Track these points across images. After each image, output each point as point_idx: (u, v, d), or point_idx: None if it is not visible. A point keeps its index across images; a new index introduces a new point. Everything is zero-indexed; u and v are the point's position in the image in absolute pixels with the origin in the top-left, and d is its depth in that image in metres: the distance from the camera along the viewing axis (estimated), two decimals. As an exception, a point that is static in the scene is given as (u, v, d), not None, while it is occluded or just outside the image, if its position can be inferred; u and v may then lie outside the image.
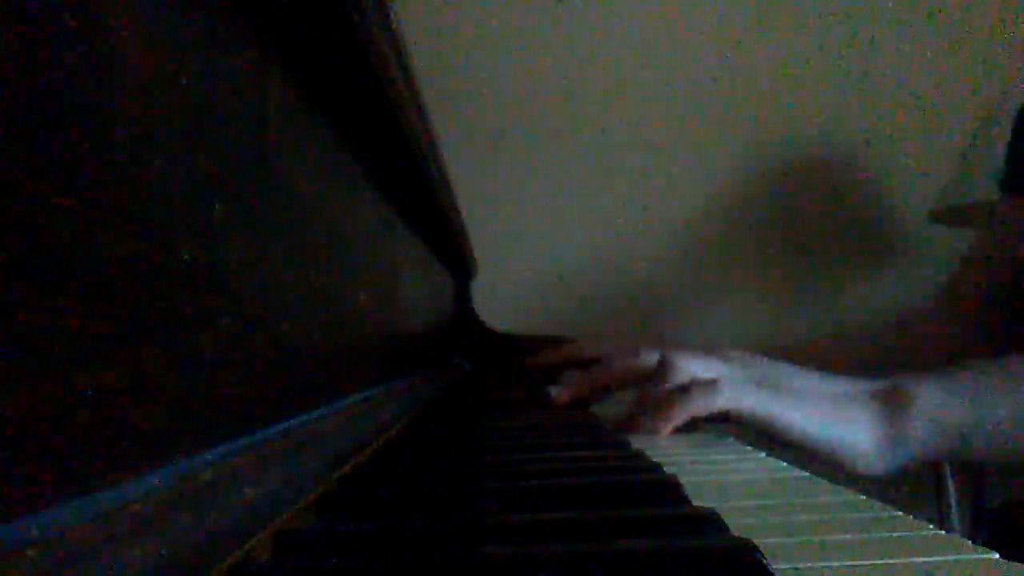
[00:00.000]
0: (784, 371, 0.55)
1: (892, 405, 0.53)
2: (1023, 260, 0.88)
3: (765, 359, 0.56)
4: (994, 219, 0.93)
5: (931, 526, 0.27)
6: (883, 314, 1.47)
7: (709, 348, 0.57)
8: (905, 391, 0.53)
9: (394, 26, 0.43)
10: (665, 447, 0.50)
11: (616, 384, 0.64)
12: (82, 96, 0.18)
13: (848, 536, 0.26)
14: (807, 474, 0.40)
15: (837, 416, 0.50)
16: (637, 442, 0.50)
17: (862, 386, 0.54)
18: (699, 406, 0.51)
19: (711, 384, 0.52)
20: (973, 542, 0.24)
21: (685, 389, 0.53)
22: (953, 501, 1.38)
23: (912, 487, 1.43)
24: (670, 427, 0.52)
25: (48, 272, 0.17)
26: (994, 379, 0.55)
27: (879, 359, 0.98)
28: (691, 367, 0.54)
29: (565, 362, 1.01)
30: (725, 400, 0.51)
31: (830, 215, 1.58)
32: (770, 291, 1.57)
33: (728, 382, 0.52)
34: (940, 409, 0.53)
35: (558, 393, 0.66)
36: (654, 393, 0.54)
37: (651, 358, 0.59)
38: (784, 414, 0.50)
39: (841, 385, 0.54)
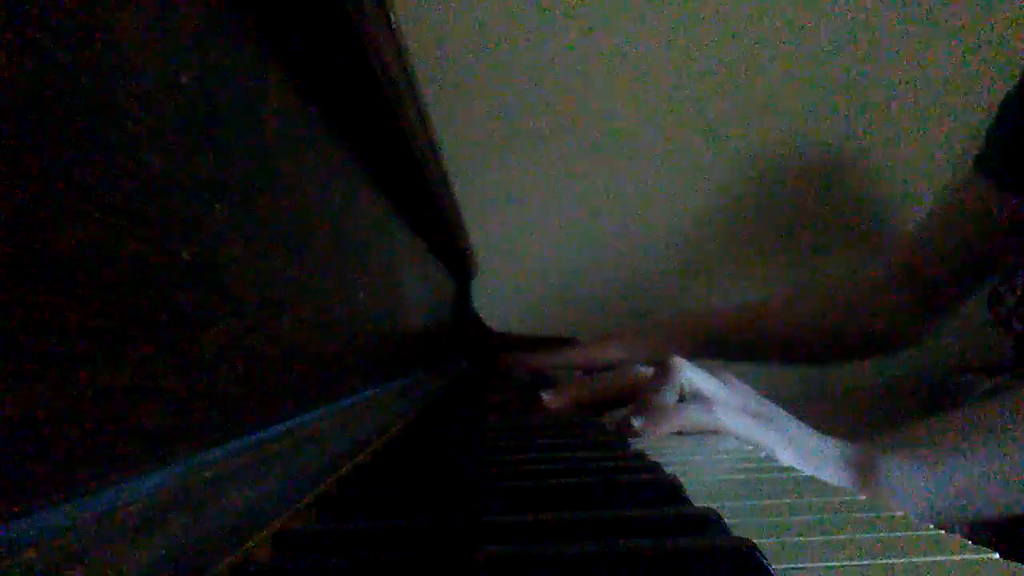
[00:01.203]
0: (772, 409, 0.56)
1: (862, 480, 0.53)
2: (982, 241, 0.89)
3: (758, 394, 0.57)
4: (963, 194, 0.93)
5: (931, 526, 0.27)
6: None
7: (711, 368, 0.58)
8: (874, 466, 0.54)
9: (394, 26, 0.43)
10: (665, 447, 0.50)
11: (614, 395, 0.64)
12: (82, 96, 0.18)
13: (848, 536, 0.26)
14: (807, 474, 0.40)
15: (812, 469, 0.51)
16: (637, 442, 0.50)
17: (835, 450, 0.55)
18: (692, 421, 0.52)
19: (707, 403, 0.53)
20: (973, 542, 0.24)
21: (681, 400, 0.54)
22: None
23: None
24: (659, 433, 0.53)
25: (48, 272, 0.17)
26: (966, 443, 0.56)
27: (825, 325, 1.00)
28: (690, 375, 0.55)
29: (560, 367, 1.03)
30: (717, 421, 0.52)
31: (830, 215, 1.58)
32: (770, 291, 1.57)
33: (723, 403, 0.53)
34: (905, 485, 0.54)
35: (550, 399, 0.66)
36: (652, 400, 0.55)
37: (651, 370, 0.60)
38: (769, 445, 0.51)
39: (819, 440, 0.55)
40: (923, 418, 0.61)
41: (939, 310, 0.99)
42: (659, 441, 0.52)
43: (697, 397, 0.55)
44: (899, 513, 0.29)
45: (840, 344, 1.04)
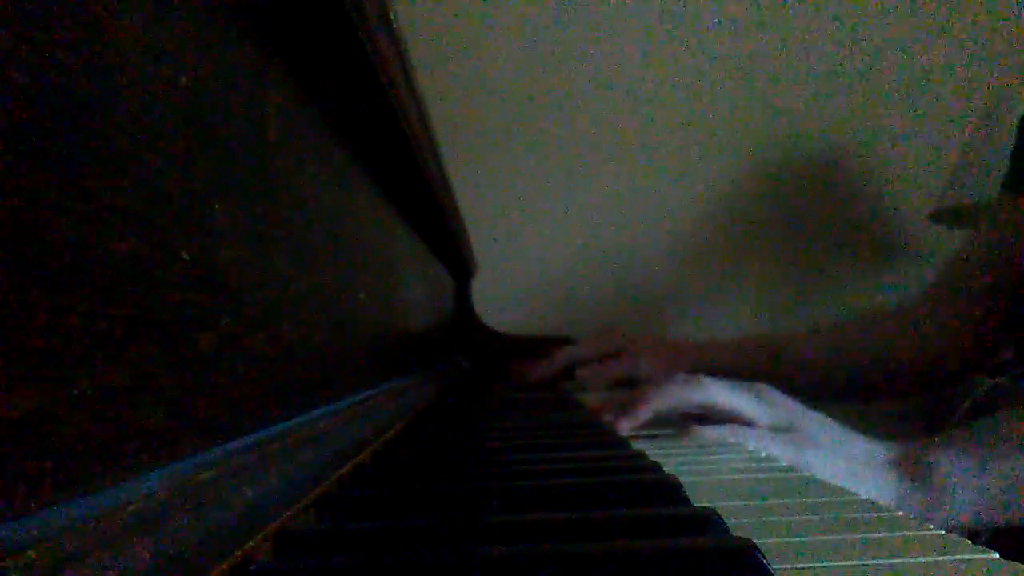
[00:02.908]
0: (810, 420, 0.55)
1: (912, 479, 0.53)
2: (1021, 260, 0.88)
3: (794, 402, 0.56)
4: (996, 217, 0.92)
5: (931, 526, 0.27)
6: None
7: (742, 384, 0.57)
8: (928, 463, 0.53)
9: (394, 26, 0.43)
10: (665, 447, 0.50)
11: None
12: (82, 96, 0.18)
13: (848, 536, 0.26)
14: (807, 474, 0.40)
15: (854, 479, 0.50)
16: (637, 442, 0.50)
17: (881, 450, 0.54)
18: (725, 436, 0.52)
19: (743, 422, 0.53)
20: (973, 542, 0.24)
21: (720, 412, 0.54)
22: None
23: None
24: (687, 442, 0.52)
25: (48, 272, 0.17)
26: (999, 442, 0.55)
27: (854, 357, 0.97)
28: (719, 394, 0.55)
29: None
30: (750, 437, 0.51)
31: (830, 215, 1.58)
32: (770, 291, 1.57)
33: (757, 423, 0.53)
34: (965, 482, 0.53)
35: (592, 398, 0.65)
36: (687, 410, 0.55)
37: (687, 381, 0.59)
38: (805, 464, 0.50)
39: (860, 447, 0.54)
40: (963, 424, 0.60)
41: (983, 345, 0.95)
42: (659, 440, 0.52)
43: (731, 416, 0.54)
44: (899, 513, 0.29)
45: (878, 379, 0.99)
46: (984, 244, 0.92)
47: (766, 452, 0.49)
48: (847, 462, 0.52)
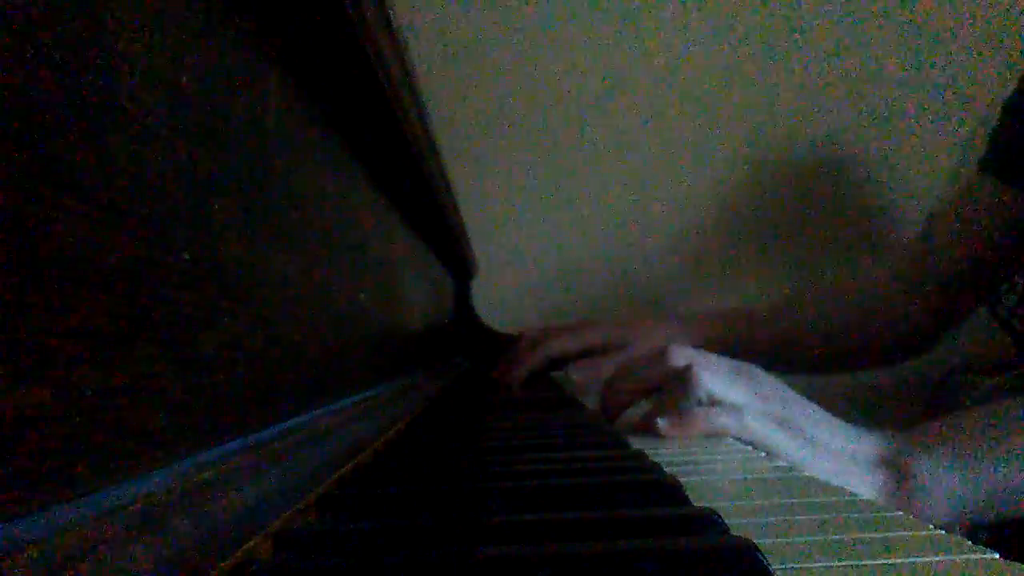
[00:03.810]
0: (801, 409, 0.54)
1: (895, 480, 0.53)
2: (993, 240, 0.89)
3: (787, 390, 0.56)
4: (968, 197, 0.93)
5: (931, 526, 0.27)
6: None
7: (738, 366, 0.56)
8: (908, 465, 0.53)
9: (394, 26, 0.43)
10: (665, 447, 0.50)
11: (640, 391, 0.62)
12: (82, 95, 0.18)
13: (848, 536, 0.26)
14: (807, 474, 0.40)
15: (839, 478, 0.50)
16: (637, 442, 0.50)
17: (867, 448, 0.54)
18: (718, 427, 0.52)
19: (736, 412, 0.52)
20: (973, 542, 0.24)
21: (713, 404, 0.53)
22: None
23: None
24: (686, 435, 0.52)
25: (48, 272, 0.17)
26: (997, 438, 0.55)
27: (832, 327, 0.99)
28: (713, 386, 0.54)
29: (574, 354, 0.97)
30: (742, 428, 0.51)
31: (830, 215, 1.58)
32: (770, 291, 1.57)
33: (750, 413, 0.52)
34: (944, 485, 0.53)
35: (579, 377, 0.63)
36: (679, 403, 0.54)
37: (675, 359, 0.58)
38: (792, 458, 0.50)
39: (849, 440, 0.54)
40: (950, 415, 0.60)
41: (950, 316, 0.97)
42: (661, 441, 0.52)
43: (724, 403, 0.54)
44: (899, 513, 0.29)
45: (847, 351, 1.01)
46: (954, 218, 0.94)
47: (759, 437, 0.49)
48: (834, 461, 0.52)
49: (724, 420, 0.52)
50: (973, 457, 0.54)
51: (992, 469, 0.53)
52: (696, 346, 0.60)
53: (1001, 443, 0.54)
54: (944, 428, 0.57)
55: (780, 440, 0.51)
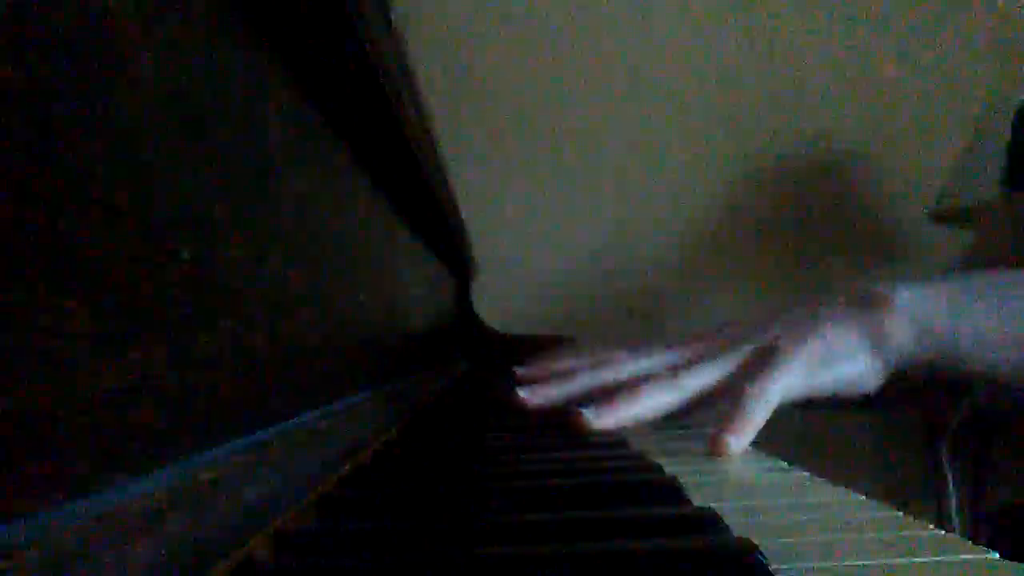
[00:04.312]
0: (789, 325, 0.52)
1: (870, 308, 0.52)
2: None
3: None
4: (995, 216, 0.92)
5: (931, 526, 0.27)
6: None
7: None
8: (882, 292, 0.52)
9: (394, 26, 0.43)
10: (665, 447, 0.50)
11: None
12: (82, 95, 0.18)
13: (848, 536, 0.26)
14: (807, 474, 0.40)
15: (825, 352, 0.49)
16: (637, 442, 0.50)
17: (839, 295, 0.53)
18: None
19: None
20: (973, 542, 0.24)
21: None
22: (953, 501, 1.38)
23: (912, 487, 1.44)
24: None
25: (48, 272, 0.17)
26: (977, 284, 0.55)
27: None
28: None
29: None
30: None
31: (830, 215, 1.58)
32: (770, 291, 1.57)
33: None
34: (920, 309, 0.52)
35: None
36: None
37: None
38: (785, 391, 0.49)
39: (815, 303, 0.53)
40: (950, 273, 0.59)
41: None
42: (661, 441, 0.52)
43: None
44: (899, 513, 0.29)
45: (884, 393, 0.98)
46: (987, 244, 0.92)
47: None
48: (812, 325, 0.50)
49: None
50: (953, 293, 0.53)
51: (973, 307, 0.52)
52: None
53: (987, 288, 0.54)
54: (919, 278, 0.56)
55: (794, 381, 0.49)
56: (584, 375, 0.55)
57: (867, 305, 0.52)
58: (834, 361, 0.50)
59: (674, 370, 0.52)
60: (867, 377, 0.52)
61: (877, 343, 0.51)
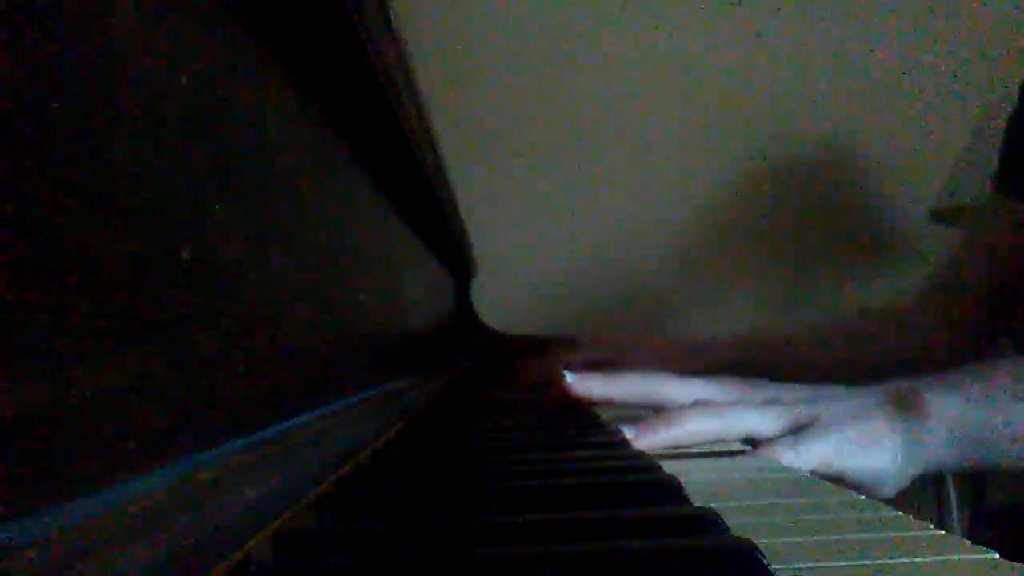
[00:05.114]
0: (823, 407, 0.53)
1: (909, 413, 0.52)
2: (1015, 260, 0.88)
3: (801, 390, 0.55)
4: (990, 219, 0.92)
5: (931, 526, 0.27)
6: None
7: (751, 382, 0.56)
8: (920, 398, 0.52)
9: (394, 26, 0.43)
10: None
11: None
12: (82, 95, 0.18)
13: (848, 536, 0.26)
14: (807, 474, 0.40)
15: (860, 439, 0.49)
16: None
17: (878, 394, 0.53)
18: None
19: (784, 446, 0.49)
20: (973, 542, 0.24)
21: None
22: (953, 501, 1.38)
23: (912, 487, 1.43)
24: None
25: (48, 272, 0.17)
26: (1002, 381, 0.55)
27: (857, 356, 0.97)
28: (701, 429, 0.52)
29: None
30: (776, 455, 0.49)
31: (830, 215, 1.58)
32: (770, 291, 1.57)
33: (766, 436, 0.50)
34: (955, 414, 0.52)
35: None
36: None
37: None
38: (823, 453, 0.49)
39: (858, 396, 0.53)
40: (964, 366, 0.59)
41: (976, 348, 0.95)
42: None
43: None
44: (899, 513, 0.29)
45: (866, 375, 0.98)
46: (978, 245, 0.92)
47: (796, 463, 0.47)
48: (851, 416, 0.50)
49: (772, 453, 0.48)
50: (983, 394, 0.53)
51: (1003, 407, 0.53)
52: (710, 372, 0.59)
53: (995, 379, 0.54)
54: (956, 375, 0.56)
55: (818, 448, 0.49)
56: (633, 383, 0.56)
57: (905, 408, 0.52)
58: (870, 448, 0.50)
59: (722, 405, 0.52)
60: (892, 477, 0.52)
61: (915, 451, 0.52)
